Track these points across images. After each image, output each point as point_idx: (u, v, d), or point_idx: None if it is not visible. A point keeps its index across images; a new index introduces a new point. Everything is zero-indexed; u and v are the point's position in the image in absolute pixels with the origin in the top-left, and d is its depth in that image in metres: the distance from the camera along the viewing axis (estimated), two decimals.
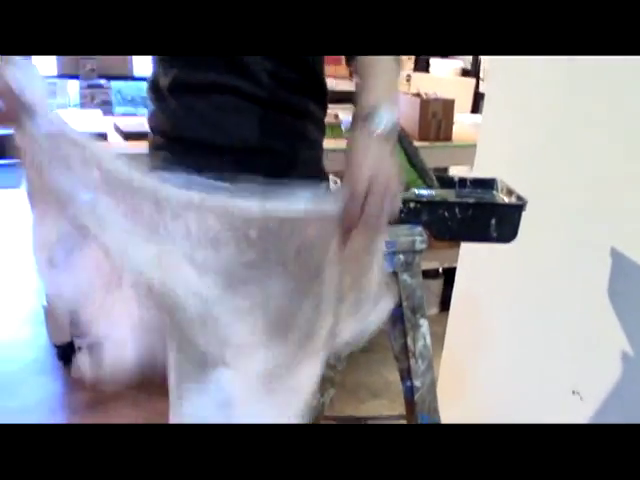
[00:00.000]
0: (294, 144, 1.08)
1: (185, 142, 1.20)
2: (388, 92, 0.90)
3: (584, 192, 1.62)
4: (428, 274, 2.72)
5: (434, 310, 2.80)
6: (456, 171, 3.13)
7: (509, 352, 1.86)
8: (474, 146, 2.15)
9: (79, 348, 0.89)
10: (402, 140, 1.20)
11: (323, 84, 1.30)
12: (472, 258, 2.06)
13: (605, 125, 1.48)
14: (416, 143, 2.46)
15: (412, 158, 1.20)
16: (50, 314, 2.44)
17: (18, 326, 2.88)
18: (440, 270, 2.86)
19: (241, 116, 1.06)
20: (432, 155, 2.51)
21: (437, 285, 2.83)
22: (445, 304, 2.74)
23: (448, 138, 2.55)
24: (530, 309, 1.77)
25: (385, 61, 0.95)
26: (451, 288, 2.24)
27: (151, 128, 1.31)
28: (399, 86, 0.97)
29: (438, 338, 2.00)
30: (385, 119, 0.83)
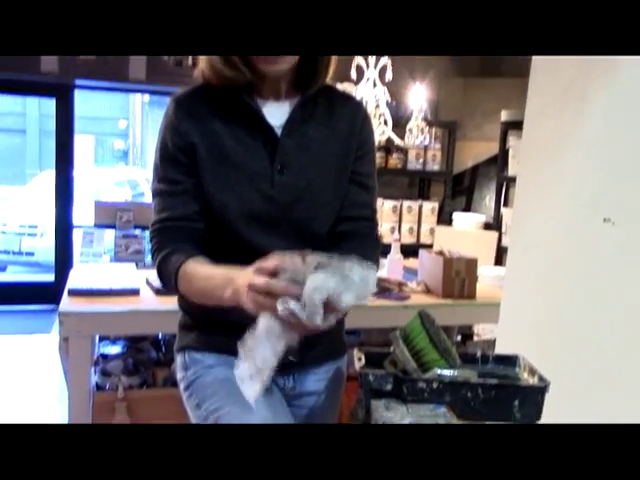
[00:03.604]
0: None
1: (215, 323, 1.26)
2: None
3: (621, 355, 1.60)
4: None
5: None
6: (480, 327, 3.14)
7: None
8: (498, 304, 2.16)
9: None
10: (424, 319, 1.23)
11: None
12: None
13: None
14: (439, 301, 2.52)
15: (434, 337, 1.22)
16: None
17: (49, 406, 3.08)
18: None
19: None
20: (456, 313, 2.54)
21: None
22: None
23: (472, 296, 2.58)
24: None
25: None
26: None
27: (180, 307, 1.37)
28: None
29: None
30: None
